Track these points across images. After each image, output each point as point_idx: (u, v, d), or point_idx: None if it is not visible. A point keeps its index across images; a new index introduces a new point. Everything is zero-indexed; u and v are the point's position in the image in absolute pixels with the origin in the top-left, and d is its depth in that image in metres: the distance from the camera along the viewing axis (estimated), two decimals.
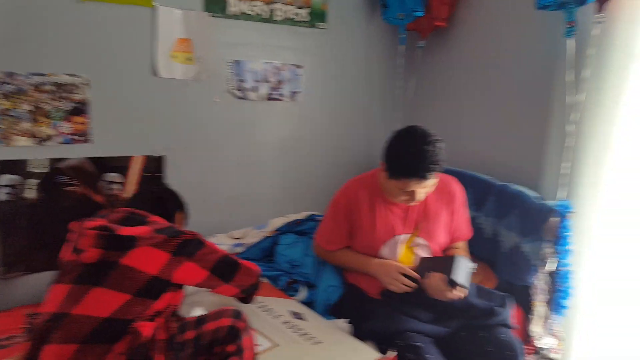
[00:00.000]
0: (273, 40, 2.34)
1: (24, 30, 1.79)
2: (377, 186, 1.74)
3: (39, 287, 1.90)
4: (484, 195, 2.09)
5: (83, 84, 1.93)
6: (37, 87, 1.84)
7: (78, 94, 1.93)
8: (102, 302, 1.20)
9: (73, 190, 2.00)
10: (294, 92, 2.45)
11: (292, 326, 1.61)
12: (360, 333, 1.64)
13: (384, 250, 1.74)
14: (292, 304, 1.78)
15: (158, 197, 1.52)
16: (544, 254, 1.78)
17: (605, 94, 1.76)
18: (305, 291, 1.92)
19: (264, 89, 2.36)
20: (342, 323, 1.68)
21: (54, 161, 1.94)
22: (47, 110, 1.88)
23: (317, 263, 2.00)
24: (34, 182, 1.91)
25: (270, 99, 2.39)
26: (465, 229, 1.87)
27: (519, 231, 1.90)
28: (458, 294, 1.56)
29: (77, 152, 1.98)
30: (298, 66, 2.44)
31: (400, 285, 1.62)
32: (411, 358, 1.52)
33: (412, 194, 1.61)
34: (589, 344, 1.91)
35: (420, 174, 1.54)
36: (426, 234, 1.75)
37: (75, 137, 1.96)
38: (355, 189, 1.77)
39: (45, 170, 1.93)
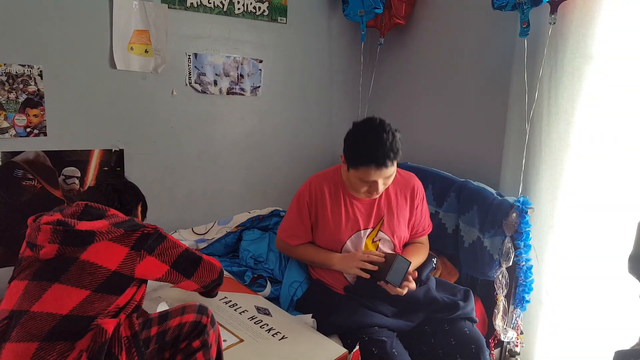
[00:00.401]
0: (233, 34, 2.33)
1: None
2: (340, 181, 1.76)
3: None
4: (445, 191, 2.13)
5: (37, 75, 1.88)
6: None
7: (32, 85, 1.88)
8: (62, 299, 1.18)
9: (30, 184, 1.96)
10: (255, 87, 2.46)
11: (258, 321, 1.61)
12: (325, 328, 1.64)
13: (348, 245, 1.76)
14: (257, 300, 1.78)
15: (115, 189, 1.49)
16: (505, 248, 1.82)
17: (561, 93, 1.81)
18: (270, 287, 1.93)
19: (224, 83, 2.36)
20: (307, 318, 1.69)
21: (10, 155, 1.89)
22: (0, 102, 1.83)
23: (281, 259, 2.01)
24: None
25: (231, 93, 2.39)
26: (425, 224, 1.91)
27: (480, 226, 1.94)
28: (394, 289, 1.60)
29: (33, 145, 1.93)
30: (259, 60, 2.45)
31: (362, 265, 1.65)
32: (375, 352, 1.53)
33: (373, 185, 1.62)
34: (551, 338, 1.96)
35: (379, 161, 1.54)
36: (388, 229, 1.78)
37: (31, 130, 1.92)
38: (319, 183, 1.77)
39: (0, 163, 1.88)
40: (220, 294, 1.71)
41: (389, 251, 1.77)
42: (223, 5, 2.27)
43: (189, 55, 2.23)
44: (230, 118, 2.43)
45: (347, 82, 2.77)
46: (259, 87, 2.48)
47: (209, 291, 1.53)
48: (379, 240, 1.78)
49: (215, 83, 2.33)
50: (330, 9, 2.63)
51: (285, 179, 2.64)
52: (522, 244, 1.82)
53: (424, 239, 1.94)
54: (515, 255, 1.84)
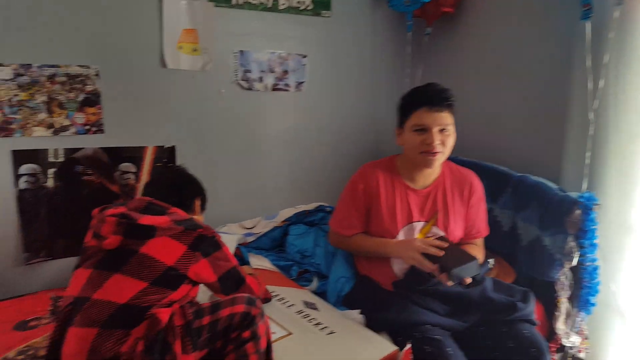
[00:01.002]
0: (277, 30, 2.35)
1: (35, 22, 1.83)
2: (395, 170, 1.73)
3: (63, 271, 1.99)
4: (501, 187, 2.03)
5: (94, 75, 1.98)
6: (51, 79, 1.89)
7: (90, 85, 1.98)
8: (121, 289, 1.23)
9: (89, 179, 2.06)
10: (299, 82, 2.47)
11: (306, 315, 1.60)
12: (374, 324, 1.60)
13: (401, 236, 1.71)
14: (305, 294, 1.78)
15: (174, 184, 1.53)
16: (568, 248, 1.71)
17: (628, 79, 1.68)
18: (317, 281, 1.93)
19: (269, 79, 2.38)
20: (355, 314, 1.66)
21: (70, 151, 2.00)
22: (61, 101, 1.93)
23: (328, 254, 2.00)
24: (52, 171, 1.97)
25: (275, 89, 2.41)
26: (482, 227, 1.83)
27: (539, 224, 1.84)
28: (443, 280, 1.52)
29: (91, 142, 2.03)
30: (303, 55, 2.45)
31: (422, 260, 1.53)
32: (429, 351, 1.47)
33: (428, 136, 1.59)
34: (622, 345, 1.82)
35: (433, 101, 1.57)
36: (442, 225, 1.73)
37: (89, 128, 2.02)
38: (373, 171, 1.74)
39: (62, 159, 1.99)
40: (269, 287, 1.72)
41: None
42: (268, 1, 2.29)
43: (235, 53, 2.27)
44: (275, 114, 2.45)
45: (393, 75, 2.71)
46: (303, 82, 2.49)
47: None
48: (432, 236, 1.71)
49: (261, 79, 2.36)
50: (374, 0, 2.59)
51: (329, 174, 2.63)
52: (587, 243, 1.70)
53: (479, 241, 1.86)
54: (580, 255, 1.72)
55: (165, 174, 1.66)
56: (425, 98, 1.59)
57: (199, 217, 1.59)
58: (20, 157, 1.90)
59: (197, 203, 1.58)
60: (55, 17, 1.86)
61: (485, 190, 2.01)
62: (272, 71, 2.38)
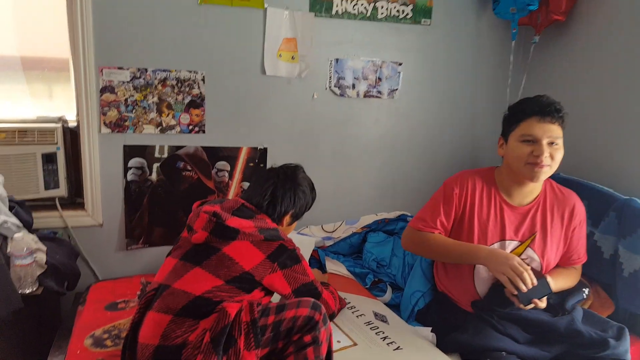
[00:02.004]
0: (374, 38, 2.36)
1: (153, 30, 2.03)
2: (493, 182, 1.66)
3: (158, 258, 2.13)
4: (604, 209, 1.87)
5: (200, 80, 2.15)
6: (163, 82, 2.09)
7: (196, 88, 2.15)
8: (198, 282, 1.30)
9: (189, 174, 2.25)
10: (392, 89, 2.46)
11: (374, 327, 1.59)
12: (445, 345, 1.56)
13: None
14: (376, 305, 1.77)
15: (272, 195, 1.51)
16: None
17: None
18: (390, 292, 1.90)
19: (362, 86, 2.40)
20: (426, 331, 1.61)
21: (174, 148, 2.19)
22: (169, 103, 2.13)
23: (405, 265, 1.97)
24: (156, 166, 2.18)
25: (368, 96, 2.42)
26: (581, 252, 1.70)
27: None
28: (518, 303, 1.45)
29: (193, 141, 2.21)
30: (398, 63, 2.43)
31: (519, 281, 1.42)
32: None
33: (537, 148, 1.51)
34: None
35: (543, 111, 1.51)
36: (538, 248, 1.62)
37: (192, 128, 2.19)
38: (472, 179, 1.66)
39: (166, 155, 2.19)
40: (340, 294, 1.73)
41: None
42: (367, 10, 2.31)
43: (331, 61, 2.33)
44: (365, 120, 2.47)
45: (494, 84, 2.60)
46: (397, 89, 2.47)
47: None
48: (527, 258, 1.60)
49: (354, 86, 2.39)
50: (479, 7, 2.50)
51: (417, 182, 2.60)
52: None
53: (578, 267, 1.73)
54: None
55: (271, 176, 1.59)
56: (537, 108, 1.54)
57: (287, 228, 1.61)
58: (130, 151, 2.13)
59: (287, 218, 1.57)
60: (171, 30, 2.06)
61: (587, 212, 1.86)
62: (365, 78, 2.40)
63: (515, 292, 1.43)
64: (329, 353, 1.34)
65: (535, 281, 1.43)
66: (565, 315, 1.55)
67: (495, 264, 1.47)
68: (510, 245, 1.61)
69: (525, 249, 1.62)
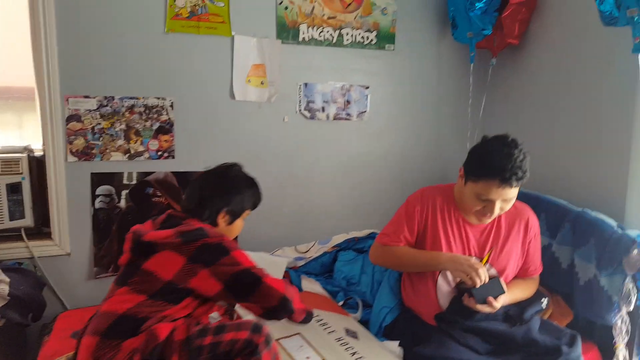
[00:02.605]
0: (341, 63, 2.44)
1: (119, 59, 2.06)
2: (452, 199, 1.70)
3: None
4: (559, 221, 1.94)
5: (169, 106, 2.16)
6: (130, 109, 2.10)
7: (164, 115, 2.17)
8: (123, 301, 1.26)
9: (158, 200, 2.24)
10: (361, 112, 2.53)
11: (344, 344, 1.59)
12: (411, 358, 1.59)
13: None
14: (348, 321, 1.78)
15: (201, 196, 1.43)
16: (626, 290, 1.62)
17: None
18: (361, 309, 1.92)
19: (331, 110, 2.46)
20: (394, 345, 1.64)
21: (143, 174, 2.18)
22: (137, 129, 2.13)
23: (374, 282, 1.99)
24: (125, 192, 2.17)
25: (337, 118, 2.49)
26: (537, 264, 1.77)
27: (597, 263, 1.74)
28: (473, 304, 1.53)
29: (162, 167, 2.21)
30: (365, 87, 2.51)
31: (475, 276, 1.51)
32: None
33: (489, 205, 1.53)
34: None
35: (505, 177, 1.46)
36: (496, 262, 1.67)
37: (161, 153, 2.20)
38: (432, 197, 1.70)
39: (135, 182, 2.18)
40: (315, 311, 1.72)
41: None
42: (332, 37, 2.39)
43: (300, 85, 2.38)
44: (336, 142, 2.52)
45: (456, 105, 2.70)
46: (365, 112, 2.54)
47: (272, 318, 1.39)
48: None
49: (323, 109, 2.45)
50: (439, 32, 2.62)
51: (388, 202, 2.63)
52: None
53: (535, 277, 1.78)
54: (638, 299, 1.61)
55: (201, 178, 1.50)
56: (498, 172, 1.47)
57: (230, 228, 1.48)
58: (98, 179, 2.12)
59: (222, 217, 1.44)
60: (138, 58, 2.09)
61: (543, 224, 1.95)
62: (334, 102, 2.46)
63: (473, 287, 1.52)
64: None
65: (487, 279, 1.54)
66: (523, 325, 1.61)
67: (455, 265, 1.57)
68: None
69: (485, 264, 1.66)
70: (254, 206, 1.54)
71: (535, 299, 1.70)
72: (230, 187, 1.46)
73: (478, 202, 1.56)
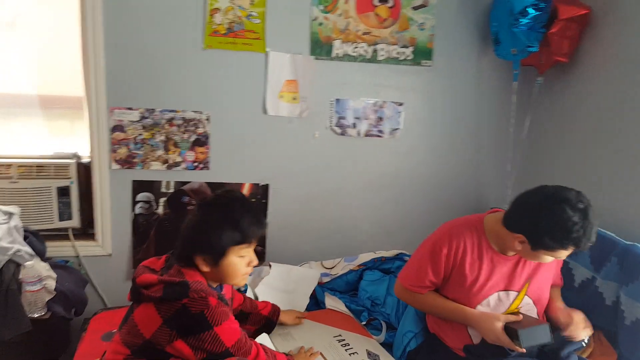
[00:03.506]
0: (374, 79, 2.43)
1: (160, 74, 2.18)
2: (483, 233, 1.60)
3: None
4: (605, 254, 1.83)
5: (205, 120, 2.27)
6: (170, 121, 2.23)
7: (201, 127, 2.27)
8: (115, 352, 1.21)
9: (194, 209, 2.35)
10: (394, 129, 2.50)
11: None
12: None
13: (483, 307, 1.59)
14: (371, 343, 1.76)
15: (186, 229, 1.32)
16: None
17: None
18: (385, 331, 1.90)
19: (363, 126, 2.46)
20: None
21: (180, 184, 2.30)
22: (176, 141, 2.26)
23: (399, 304, 1.97)
24: (163, 200, 2.30)
25: (369, 135, 2.48)
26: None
27: None
28: (509, 344, 1.46)
29: (198, 177, 2.32)
30: (399, 103, 2.49)
31: (504, 335, 1.48)
32: None
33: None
34: None
35: (582, 246, 1.40)
36: (534, 293, 1.61)
37: (197, 164, 2.31)
38: (461, 236, 1.58)
39: (172, 190, 2.30)
40: (336, 331, 1.75)
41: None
42: (367, 52, 2.39)
43: (332, 101, 2.41)
44: (366, 159, 2.52)
45: (496, 125, 2.61)
46: (398, 129, 2.51)
47: None
48: (521, 307, 1.60)
49: (354, 125, 2.45)
50: (479, 48, 2.54)
51: (417, 222, 2.60)
52: None
53: (557, 290, 1.75)
54: None
55: (190, 214, 1.33)
56: (578, 244, 1.40)
57: (217, 271, 1.28)
58: (138, 186, 2.26)
59: (200, 261, 1.25)
60: (177, 73, 2.20)
61: (587, 256, 1.88)
62: (366, 118, 2.46)
63: (514, 346, 1.46)
64: None
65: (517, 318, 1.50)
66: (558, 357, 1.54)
67: (485, 328, 1.52)
68: (508, 296, 1.60)
69: (522, 298, 1.60)
70: (245, 239, 1.27)
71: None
72: (205, 226, 1.26)
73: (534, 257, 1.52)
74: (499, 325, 1.48)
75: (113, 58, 2.10)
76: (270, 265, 2.26)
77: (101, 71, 2.09)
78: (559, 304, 1.69)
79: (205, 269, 1.26)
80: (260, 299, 1.94)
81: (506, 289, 1.59)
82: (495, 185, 2.62)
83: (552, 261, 1.59)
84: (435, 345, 1.70)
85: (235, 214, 1.27)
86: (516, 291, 1.59)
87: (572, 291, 1.93)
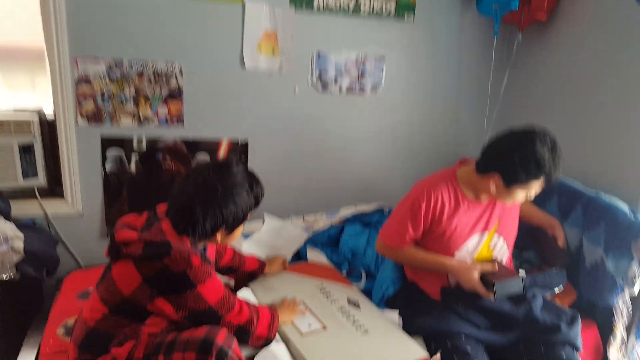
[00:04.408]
0: (356, 33, 2.36)
1: (129, 20, 2.04)
2: (456, 183, 1.68)
3: None
4: (572, 204, 1.94)
5: (178, 72, 2.15)
6: (139, 75, 2.10)
7: (173, 81, 2.16)
8: (93, 310, 1.20)
9: (169, 167, 2.26)
10: (376, 85, 2.46)
11: (345, 312, 1.62)
12: (410, 328, 1.62)
13: (462, 252, 1.67)
14: (351, 291, 1.80)
15: (189, 202, 1.26)
16: (631, 273, 1.65)
17: None
18: (365, 280, 1.96)
19: (345, 81, 2.40)
20: (394, 314, 1.68)
21: (152, 140, 2.20)
22: (147, 95, 2.14)
23: (379, 255, 2.02)
24: (135, 157, 2.19)
25: (350, 91, 2.43)
26: None
27: (605, 246, 1.76)
28: (484, 294, 1.56)
29: (172, 134, 2.22)
30: (381, 59, 2.43)
31: (480, 284, 1.57)
32: None
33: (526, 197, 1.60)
34: None
35: (552, 178, 1.52)
36: (504, 230, 1.71)
37: (171, 120, 2.20)
38: (437, 191, 1.65)
39: (145, 147, 2.20)
40: (318, 281, 1.78)
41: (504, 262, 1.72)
42: (349, 7, 2.30)
43: (313, 55, 2.32)
44: (348, 115, 2.47)
45: (476, 81, 2.60)
46: (380, 85, 2.47)
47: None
48: (494, 246, 1.71)
49: (336, 81, 2.39)
50: (462, 3, 2.49)
51: (398, 177, 2.62)
52: None
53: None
54: None
55: (189, 187, 1.27)
56: (548, 176, 1.52)
57: (229, 237, 1.35)
58: (108, 143, 2.14)
59: (219, 235, 1.30)
60: (148, 20, 2.07)
61: (555, 206, 2.01)
62: (348, 73, 2.39)
63: (488, 294, 1.56)
64: None
65: (493, 269, 1.60)
66: (525, 304, 1.64)
67: (463, 277, 1.61)
68: (482, 238, 1.69)
69: (492, 236, 1.70)
70: (255, 206, 1.36)
71: (552, 283, 1.78)
72: (230, 203, 1.25)
73: (522, 196, 1.59)
74: (476, 275, 1.57)
75: (76, 1, 1.94)
76: (263, 220, 2.26)
77: (62, 16, 1.93)
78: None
79: (222, 237, 1.32)
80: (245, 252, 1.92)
81: (482, 231, 1.68)
82: (474, 140, 2.64)
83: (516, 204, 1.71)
84: (413, 291, 1.79)
85: (252, 181, 1.35)
86: (488, 231, 1.69)
87: None
